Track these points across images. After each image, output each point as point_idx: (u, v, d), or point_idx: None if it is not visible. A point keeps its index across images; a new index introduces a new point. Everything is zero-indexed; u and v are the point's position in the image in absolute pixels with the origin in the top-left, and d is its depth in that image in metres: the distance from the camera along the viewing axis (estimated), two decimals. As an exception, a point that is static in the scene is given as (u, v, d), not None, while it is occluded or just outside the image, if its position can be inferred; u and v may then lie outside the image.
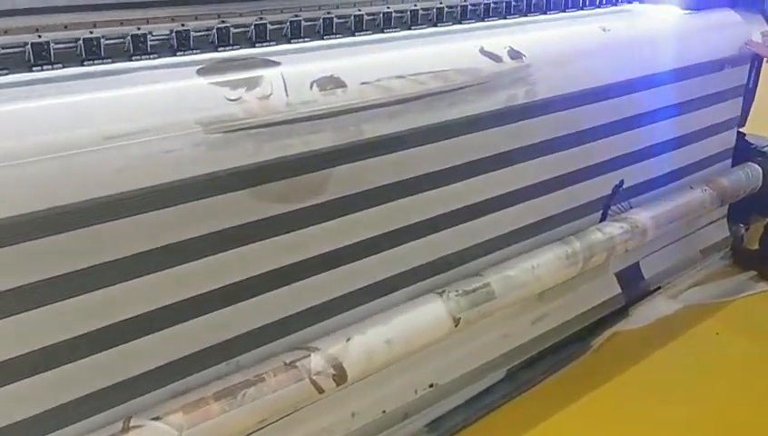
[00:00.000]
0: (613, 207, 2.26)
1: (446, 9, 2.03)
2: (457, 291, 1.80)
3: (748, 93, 2.65)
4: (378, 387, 1.74)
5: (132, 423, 1.33)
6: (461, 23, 2.06)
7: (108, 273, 1.30)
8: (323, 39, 1.81)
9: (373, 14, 1.90)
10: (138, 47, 1.55)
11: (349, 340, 1.60)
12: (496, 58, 1.82)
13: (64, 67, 1.45)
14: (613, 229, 2.17)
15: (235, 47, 1.67)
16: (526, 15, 2.22)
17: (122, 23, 1.52)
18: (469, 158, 1.79)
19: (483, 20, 2.12)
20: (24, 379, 1.26)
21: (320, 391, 1.53)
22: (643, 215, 2.26)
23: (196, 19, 1.62)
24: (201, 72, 1.47)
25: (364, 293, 1.69)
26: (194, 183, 1.35)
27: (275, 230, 1.50)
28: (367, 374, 1.63)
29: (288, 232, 1.52)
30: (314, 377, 1.53)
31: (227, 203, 1.41)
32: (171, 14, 1.59)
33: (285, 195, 1.49)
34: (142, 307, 1.36)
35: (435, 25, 2.01)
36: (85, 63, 1.48)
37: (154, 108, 1.33)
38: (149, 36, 1.56)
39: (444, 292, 1.78)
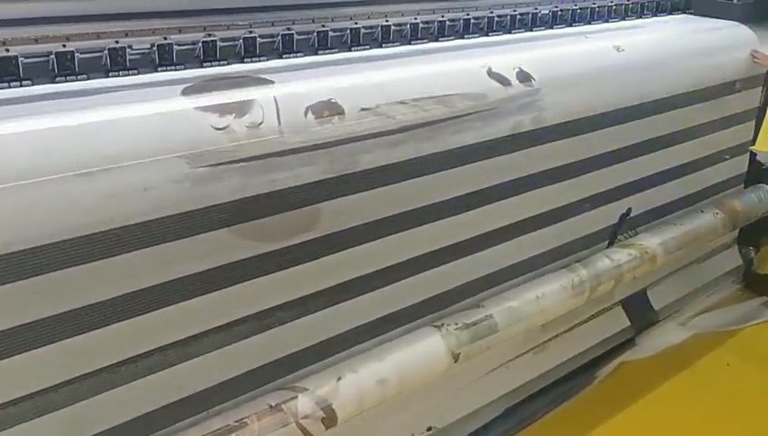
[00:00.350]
0: (620, 237, 2.15)
1: (447, 23, 1.92)
2: (456, 324, 1.68)
3: (760, 111, 2.55)
4: (371, 431, 1.62)
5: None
6: (464, 37, 1.96)
7: (72, 322, 1.17)
8: (317, 54, 1.70)
9: (371, 28, 1.79)
10: (116, 62, 1.43)
11: (339, 379, 1.48)
12: (504, 81, 1.70)
13: (33, 84, 1.33)
14: (621, 255, 2.06)
15: (222, 63, 1.56)
16: (532, 30, 2.12)
17: (98, 36, 1.41)
18: (471, 188, 1.67)
19: (487, 34, 2.02)
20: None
21: None
22: (652, 241, 2.15)
23: (180, 32, 1.51)
24: (186, 92, 1.35)
25: (358, 334, 1.56)
26: (173, 222, 1.22)
27: (262, 269, 1.37)
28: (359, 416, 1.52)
29: (276, 272, 1.39)
30: (301, 421, 1.41)
31: (208, 242, 1.28)
32: (152, 27, 1.47)
33: (272, 233, 1.36)
34: (111, 358, 1.22)
35: (436, 40, 1.91)
36: (57, 79, 1.36)
37: (132, 138, 1.20)
38: (128, 51, 1.44)
39: (442, 325, 1.66)
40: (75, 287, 1.15)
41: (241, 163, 1.30)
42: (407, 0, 1.85)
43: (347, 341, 1.55)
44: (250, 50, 1.60)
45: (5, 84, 1.30)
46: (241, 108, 1.34)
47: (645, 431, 1.99)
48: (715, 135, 2.37)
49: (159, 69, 1.48)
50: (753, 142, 2.59)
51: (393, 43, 1.82)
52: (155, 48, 1.47)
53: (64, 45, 1.37)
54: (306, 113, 1.41)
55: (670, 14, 2.56)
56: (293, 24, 1.66)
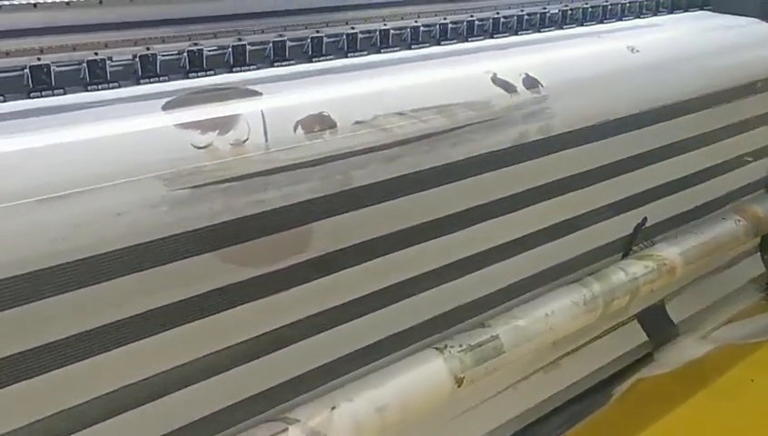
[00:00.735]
0: (635, 248, 2.04)
1: (450, 25, 1.82)
2: (460, 345, 1.58)
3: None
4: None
5: None
6: (467, 40, 1.86)
7: (44, 358, 1.09)
8: (311, 61, 1.61)
9: (368, 33, 1.70)
10: (96, 75, 1.36)
11: (333, 408, 1.39)
12: (509, 88, 1.60)
13: (5, 100, 1.26)
14: (636, 268, 1.96)
15: (210, 73, 1.48)
16: (541, 31, 2.01)
17: (75, 48, 1.33)
18: (474, 203, 1.57)
19: (492, 36, 1.92)
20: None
21: (300, 471, 1.33)
22: (670, 252, 2.04)
23: (163, 42, 1.43)
24: (167, 107, 1.26)
25: (354, 359, 1.47)
26: (150, 248, 1.14)
27: (249, 295, 1.28)
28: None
29: (264, 297, 1.30)
30: (293, 454, 1.33)
31: (190, 268, 1.19)
32: (133, 37, 1.39)
33: (260, 256, 1.27)
34: (81, 395, 1.14)
35: (438, 44, 1.81)
36: (32, 94, 1.29)
37: (104, 159, 1.11)
38: (108, 62, 1.37)
39: (445, 347, 1.57)
40: (40, 322, 1.07)
41: (225, 184, 1.22)
42: (407, 2, 1.75)
43: (342, 367, 1.46)
44: (239, 59, 1.52)
45: (-24, 102, 1.23)
46: (225, 124, 1.26)
47: (665, 453, 1.90)
48: (736, 138, 2.26)
49: (141, 81, 1.40)
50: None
51: (393, 47, 1.73)
52: (137, 59, 1.40)
53: (39, 58, 1.30)
54: (295, 128, 1.32)
55: (687, 10, 2.44)
56: (285, 30, 1.57)
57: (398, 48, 1.74)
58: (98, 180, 1.10)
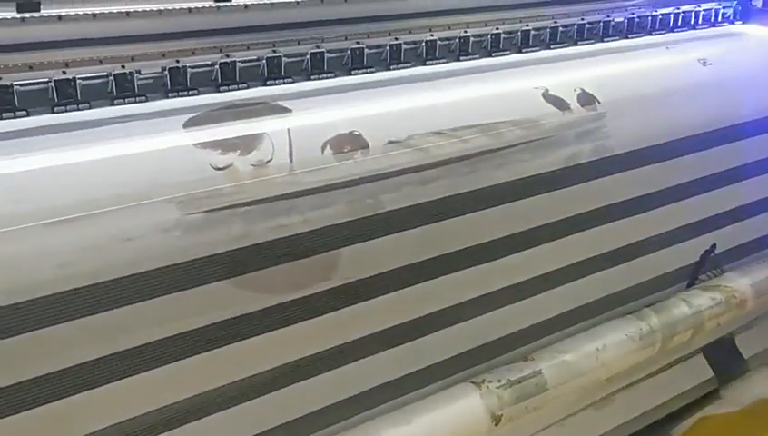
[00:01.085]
0: (701, 277, 1.88)
1: (503, 36, 1.71)
2: (499, 380, 1.48)
3: None
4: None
5: None
6: (521, 51, 1.74)
7: (44, 389, 1.04)
8: (350, 74, 1.53)
9: (413, 44, 1.61)
10: (124, 88, 1.31)
11: (359, 446, 1.32)
12: (562, 105, 1.49)
13: (28, 115, 1.23)
14: (702, 300, 1.80)
15: (242, 87, 1.42)
16: (604, 41, 1.88)
17: (101, 61, 1.29)
18: (518, 228, 1.46)
19: (549, 47, 1.80)
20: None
21: None
22: (741, 282, 1.87)
23: (193, 54, 1.37)
24: (188, 124, 1.21)
25: (383, 393, 1.39)
26: (161, 275, 1.08)
27: (269, 324, 1.22)
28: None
29: (284, 327, 1.23)
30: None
31: (203, 296, 1.13)
32: (162, 50, 1.34)
33: (280, 284, 1.20)
34: (88, 427, 1.09)
35: (489, 55, 1.70)
36: (57, 108, 1.25)
37: (116, 180, 1.07)
38: (136, 76, 1.32)
39: (482, 382, 1.47)
40: (42, 351, 1.03)
41: (244, 208, 1.15)
42: (455, 12, 1.64)
43: (370, 401, 1.38)
44: (274, 71, 1.45)
45: (-1, 115, 1.20)
46: (247, 144, 1.20)
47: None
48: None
49: (170, 95, 1.35)
50: None
51: (439, 59, 1.63)
52: (167, 72, 1.35)
53: (64, 72, 1.26)
54: (323, 149, 1.25)
55: None
56: (323, 41, 1.50)
57: (445, 60, 1.63)
58: (107, 203, 1.05)
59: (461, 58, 1.66)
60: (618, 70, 1.67)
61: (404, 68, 1.58)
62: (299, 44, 1.47)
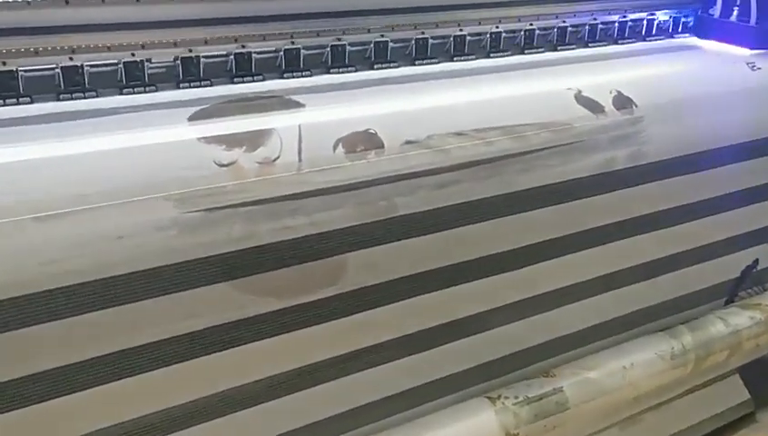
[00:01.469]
0: (741, 294, 1.77)
1: (537, 32, 1.62)
2: (516, 397, 1.40)
3: None
4: None
5: None
6: (557, 49, 1.65)
7: (29, 389, 1.00)
8: (373, 69, 1.46)
9: (442, 38, 1.53)
10: (134, 77, 1.26)
11: (366, 459, 1.25)
12: (595, 108, 1.40)
13: (32, 102, 1.19)
14: (740, 319, 1.70)
15: (257, 79, 1.36)
16: (646, 40, 1.77)
17: (109, 48, 1.25)
18: (542, 237, 1.38)
19: (587, 45, 1.70)
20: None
21: None
22: (783, 301, 1.76)
23: (206, 43, 1.32)
24: (194, 118, 1.16)
25: (390, 406, 1.32)
26: (154, 275, 1.03)
27: (270, 330, 1.16)
28: None
29: (288, 332, 1.17)
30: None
31: (200, 298, 1.07)
32: (174, 38, 1.29)
33: (282, 288, 1.14)
34: (75, 431, 1.05)
35: (522, 53, 1.61)
36: (62, 96, 1.21)
37: (111, 174, 1.02)
38: (147, 64, 1.27)
39: (498, 397, 1.40)
40: (28, 351, 0.98)
41: (247, 208, 1.09)
42: (487, 6, 1.56)
43: (376, 414, 1.32)
44: (293, 64, 1.39)
45: (1, 102, 1.16)
46: (254, 140, 1.14)
47: None
48: None
49: (181, 85, 1.29)
50: None
51: (468, 56, 1.55)
52: (179, 61, 1.29)
53: (71, 58, 1.22)
54: (335, 147, 1.18)
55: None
56: (344, 33, 1.43)
57: (473, 57, 1.55)
58: (99, 198, 1.00)
59: (491, 55, 1.58)
60: (657, 72, 1.56)
61: (429, 64, 1.51)
62: (318, 35, 1.40)
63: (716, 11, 1.82)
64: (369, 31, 1.45)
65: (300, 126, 1.18)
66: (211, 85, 1.31)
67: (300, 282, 1.17)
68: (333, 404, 1.27)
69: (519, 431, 1.37)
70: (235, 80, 1.34)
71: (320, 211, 1.15)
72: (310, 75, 1.39)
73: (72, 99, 1.21)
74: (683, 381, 1.68)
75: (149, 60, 1.27)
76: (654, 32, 1.79)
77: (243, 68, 1.35)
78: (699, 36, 1.83)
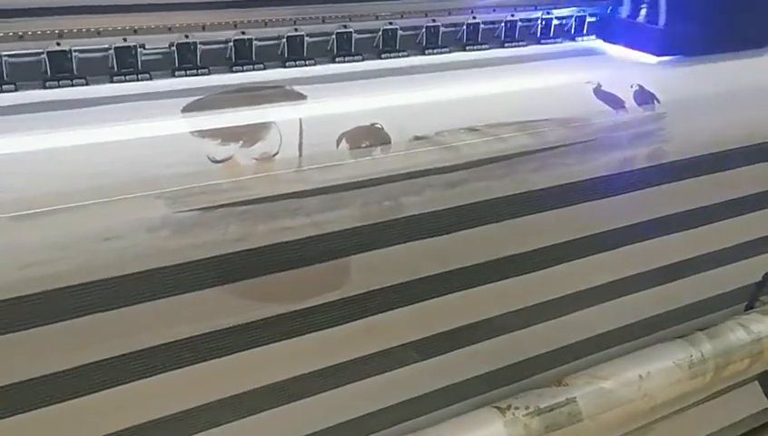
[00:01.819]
0: (763, 299, 1.70)
1: (554, 21, 1.53)
2: (526, 407, 1.33)
3: None
4: None
5: None
6: (575, 40, 1.57)
7: (13, 401, 0.94)
8: (380, 58, 1.38)
9: (454, 26, 1.45)
10: (125, 64, 1.19)
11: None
12: (615, 103, 1.32)
13: (16, 89, 1.12)
14: (763, 326, 1.62)
15: (258, 67, 1.28)
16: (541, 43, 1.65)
17: (99, 32, 1.17)
18: (556, 239, 1.30)
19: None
20: None
21: None
22: (808, 307, 1.69)
23: (204, 29, 1.24)
24: (188, 109, 1.08)
25: (391, 414, 1.26)
26: (143, 279, 0.96)
27: (267, 337, 1.09)
28: None
29: (286, 339, 1.11)
30: None
31: (194, 303, 1.01)
32: (168, 23, 1.21)
33: (281, 293, 1.08)
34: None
35: (539, 42, 1.53)
36: (49, 83, 1.14)
37: (97, 170, 0.94)
38: (140, 51, 1.20)
39: (508, 407, 1.33)
40: (10, 359, 0.92)
41: (243, 207, 1.02)
42: (501, -8, 1.47)
43: (379, 423, 1.25)
44: (296, 51, 1.31)
45: (-17, 89, 1.09)
46: (251, 134, 1.06)
47: None
48: None
49: (177, 74, 1.22)
50: None
51: (481, 45, 1.47)
52: (174, 48, 1.22)
53: (58, 43, 1.14)
54: (339, 142, 1.10)
55: None
56: (350, 20, 1.35)
57: (487, 46, 1.47)
58: (84, 196, 0.93)
59: (506, 45, 1.50)
60: (683, 64, 1.47)
61: (441, 54, 1.42)
62: (323, 21, 1.32)
63: (624, 10, 1.52)
64: (376, 18, 1.37)
65: (301, 120, 1.10)
66: (208, 74, 1.23)
67: (302, 286, 1.10)
68: (335, 413, 1.21)
69: (529, 443, 1.30)
70: (234, 68, 1.26)
71: (321, 211, 1.07)
72: (314, 64, 1.31)
73: (59, 87, 1.13)
74: (700, 391, 1.61)
75: (142, 46, 1.19)
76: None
77: (243, 56, 1.27)
78: (605, 39, 1.54)
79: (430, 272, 1.19)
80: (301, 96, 1.16)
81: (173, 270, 0.98)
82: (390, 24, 1.38)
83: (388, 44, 1.39)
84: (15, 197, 0.90)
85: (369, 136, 1.12)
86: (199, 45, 1.23)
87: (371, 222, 1.11)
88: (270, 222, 1.04)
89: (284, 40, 1.30)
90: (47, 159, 0.94)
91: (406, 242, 1.15)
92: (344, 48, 1.35)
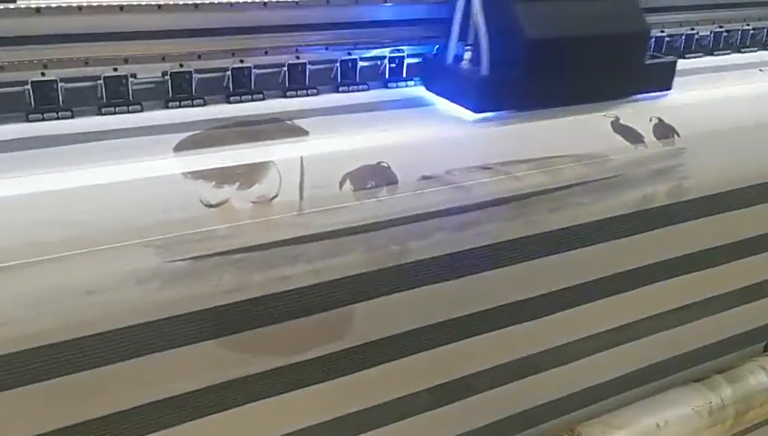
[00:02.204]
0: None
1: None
2: (535, 458, 1.26)
3: None
4: None
5: None
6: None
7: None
8: (386, 88, 1.31)
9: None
10: (117, 94, 1.11)
11: None
12: (634, 138, 1.25)
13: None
14: (786, 369, 1.55)
15: (257, 97, 1.21)
16: (685, 57, 1.61)
17: (87, 62, 1.09)
18: (571, 283, 1.23)
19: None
20: None
21: None
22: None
23: (199, 58, 1.17)
24: (180, 148, 1.01)
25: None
26: (130, 335, 0.89)
27: (267, 391, 1.02)
28: None
29: (288, 392, 1.04)
30: None
31: (187, 358, 0.93)
32: (161, 51, 1.14)
33: (279, 345, 1.00)
34: None
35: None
36: (32, 116, 1.06)
37: (78, 218, 0.87)
38: (131, 80, 1.12)
39: (514, 459, 1.25)
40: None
41: (239, 255, 0.95)
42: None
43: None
44: (297, 80, 1.24)
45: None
46: (248, 175, 0.99)
47: None
48: None
49: (170, 105, 1.14)
50: None
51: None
52: (168, 77, 1.14)
53: (43, 74, 1.07)
54: (342, 184, 1.03)
55: None
56: (355, 47, 1.27)
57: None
58: (64, 246, 0.85)
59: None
60: (702, 97, 1.40)
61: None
62: (326, 49, 1.25)
63: (450, 52, 1.23)
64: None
65: (302, 158, 1.03)
66: (204, 105, 1.16)
67: (301, 338, 1.03)
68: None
69: (537, 498, 1.23)
70: (232, 98, 1.19)
71: (323, 257, 1.00)
72: (317, 94, 1.24)
73: (43, 119, 1.06)
74: (717, 436, 1.54)
75: (133, 75, 1.12)
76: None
77: (241, 85, 1.20)
78: (427, 87, 1.27)
79: (438, 319, 1.12)
80: (303, 131, 1.08)
81: (164, 324, 0.91)
82: (399, 51, 1.31)
83: (394, 72, 1.31)
84: (-13, 249, 0.82)
85: (374, 176, 1.05)
86: (194, 74, 1.15)
87: (376, 268, 1.04)
88: (267, 270, 0.96)
89: (285, 68, 1.23)
90: (23, 205, 0.87)
91: (413, 288, 1.07)
92: (348, 77, 1.28)
